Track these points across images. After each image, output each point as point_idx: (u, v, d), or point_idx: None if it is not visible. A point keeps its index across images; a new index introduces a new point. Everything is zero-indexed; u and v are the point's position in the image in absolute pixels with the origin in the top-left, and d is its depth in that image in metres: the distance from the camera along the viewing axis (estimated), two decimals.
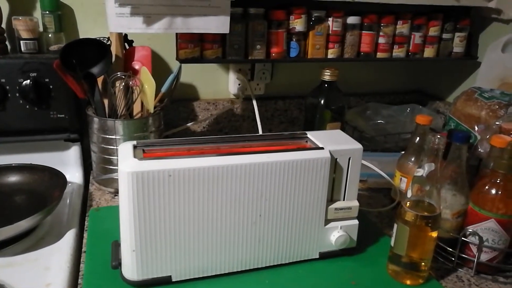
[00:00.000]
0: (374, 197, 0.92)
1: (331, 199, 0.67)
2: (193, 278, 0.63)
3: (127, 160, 0.56)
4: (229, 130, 1.16)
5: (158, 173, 0.55)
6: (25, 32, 0.87)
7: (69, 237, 0.74)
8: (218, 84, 1.14)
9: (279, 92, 1.19)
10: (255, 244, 0.64)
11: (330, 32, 0.97)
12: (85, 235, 0.73)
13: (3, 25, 0.88)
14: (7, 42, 0.89)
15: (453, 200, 0.69)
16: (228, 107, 1.14)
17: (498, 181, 0.65)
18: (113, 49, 0.88)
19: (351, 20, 0.98)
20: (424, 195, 0.63)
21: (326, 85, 0.93)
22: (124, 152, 0.58)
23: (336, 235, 0.67)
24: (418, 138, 0.83)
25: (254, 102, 1.06)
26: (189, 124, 1.09)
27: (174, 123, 1.09)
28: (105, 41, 0.88)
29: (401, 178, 0.85)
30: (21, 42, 0.88)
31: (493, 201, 0.65)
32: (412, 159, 0.83)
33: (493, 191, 0.65)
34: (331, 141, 0.66)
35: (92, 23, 0.97)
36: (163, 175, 0.55)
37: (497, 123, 0.80)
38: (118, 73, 0.84)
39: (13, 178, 0.84)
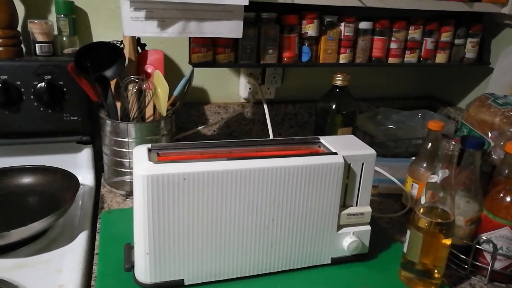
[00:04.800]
0: (385, 202, 0.92)
1: (343, 205, 0.67)
2: (205, 282, 0.62)
3: (142, 163, 0.56)
4: (239, 134, 1.17)
5: (173, 176, 0.55)
6: (40, 35, 0.88)
7: (81, 239, 0.74)
8: (229, 88, 1.14)
9: (289, 96, 1.19)
10: (267, 248, 0.64)
11: (342, 37, 0.97)
12: (97, 237, 0.73)
13: (19, 28, 0.89)
14: (22, 45, 0.90)
15: (466, 207, 0.69)
16: (239, 111, 1.14)
17: None
18: (126, 52, 0.89)
19: (363, 25, 0.98)
20: (437, 202, 0.62)
21: (337, 90, 0.93)
22: (139, 155, 0.59)
23: (349, 240, 0.67)
24: (430, 144, 0.82)
25: (265, 106, 1.07)
26: (200, 128, 1.10)
27: (185, 126, 1.10)
28: (118, 44, 0.88)
29: (412, 184, 0.85)
30: (36, 45, 0.89)
31: (508, 209, 0.65)
32: (424, 165, 0.83)
33: (508, 199, 0.65)
34: (344, 146, 0.66)
35: (105, 26, 0.98)
36: (178, 178, 0.55)
37: (511, 129, 0.80)
38: (132, 76, 0.85)
39: (26, 180, 0.85)
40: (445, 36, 1.06)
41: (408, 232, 0.64)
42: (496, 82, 1.08)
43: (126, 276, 0.62)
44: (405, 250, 0.65)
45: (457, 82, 1.26)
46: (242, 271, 0.64)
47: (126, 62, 0.87)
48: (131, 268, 0.61)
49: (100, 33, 0.98)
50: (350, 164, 0.65)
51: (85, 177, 0.94)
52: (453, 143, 0.60)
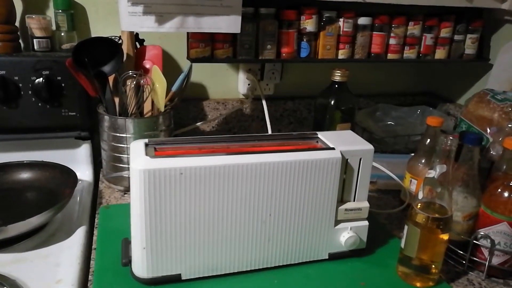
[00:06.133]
0: (383, 198, 0.92)
1: (341, 200, 0.67)
2: (203, 276, 0.63)
3: (139, 158, 0.56)
4: (238, 130, 1.16)
5: (169, 171, 0.55)
6: (38, 30, 0.88)
7: (80, 234, 0.74)
8: (227, 84, 1.14)
9: (288, 92, 1.19)
10: (264, 243, 0.64)
11: (341, 32, 0.96)
12: (95, 232, 0.73)
13: (17, 23, 0.89)
14: (20, 40, 0.90)
15: (464, 202, 0.69)
16: (237, 107, 1.14)
17: (511, 184, 0.64)
18: (125, 48, 0.89)
19: (362, 20, 0.98)
20: (435, 197, 0.62)
21: (336, 86, 0.93)
22: (136, 150, 0.59)
23: (346, 236, 0.67)
24: (428, 140, 0.82)
25: (264, 102, 1.06)
26: (198, 124, 1.10)
27: (183, 122, 1.10)
28: (116, 40, 0.88)
29: (411, 180, 0.85)
30: (34, 40, 0.89)
31: (506, 204, 0.65)
32: (423, 161, 0.83)
33: (506, 194, 0.65)
34: (342, 141, 0.66)
35: (104, 22, 0.98)
36: (175, 173, 0.55)
37: (509, 125, 0.80)
38: (130, 71, 0.84)
39: (24, 175, 0.85)
40: (444, 32, 1.05)
41: (406, 227, 0.64)
42: (496, 78, 1.08)
43: (123, 271, 0.62)
44: (402, 245, 0.65)
45: (457, 78, 1.26)
46: (239, 266, 0.64)
47: (124, 58, 0.87)
48: (128, 262, 0.61)
49: (98, 29, 0.98)
50: (347, 159, 0.64)
51: (84, 172, 0.94)
52: (451, 138, 0.60)
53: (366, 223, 0.69)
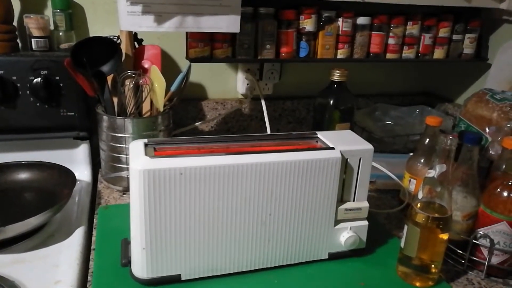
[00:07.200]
0: (383, 198, 0.92)
1: (341, 200, 0.67)
2: (202, 277, 0.62)
3: (138, 158, 0.56)
4: (237, 129, 1.16)
5: (169, 171, 0.55)
6: (36, 30, 0.88)
7: (78, 234, 0.74)
8: (226, 83, 1.14)
9: (287, 92, 1.19)
10: (264, 243, 0.64)
11: (340, 32, 0.97)
12: (94, 232, 0.73)
13: (15, 23, 0.88)
14: (18, 40, 0.89)
15: (464, 202, 0.69)
16: (236, 107, 1.14)
17: (510, 184, 0.65)
18: (123, 47, 0.88)
19: (361, 20, 0.98)
20: (435, 197, 0.62)
21: (335, 86, 0.93)
22: (136, 150, 0.58)
23: (346, 235, 0.67)
24: (427, 140, 0.82)
25: (263, 102, 1.06)
26: (197, 124, 1.09)
27: (182, 122, 1.10)
28: (115, 39, 0.88)
29: (410, 180, 0.85)
30: (32, 40, 0.88)
31: (505, 204, 0.65)
32: (422, 161, 0.83)
33: (505, 194, 0.65)
34: (342, 141, 0.66)
35: (102, 21, 0.98)
36: (174, 173, 0.55)
37: (508, 125, 0.80)
38: (128, 71, 0.84)
39: (23, 176, 0.85)
40: (443, 32, 1.05)
41: (405, 227, 0.64)
42: (494, 77, 1.08)
43: (123, 271, 0.62)
44: (402, 245, 0.65)
45: (455, 78, 1.26)
46: (239, 266, 0.64)
47: (123, 57, 0.87)
48: (127, 263, 0.61)
49: (97, 28, 0.98)
50: (347, 159, 0.64)
51: (82, 172, 0.94)
52: (451, 138, 0.60)
53: (365, 222, 0.69)
